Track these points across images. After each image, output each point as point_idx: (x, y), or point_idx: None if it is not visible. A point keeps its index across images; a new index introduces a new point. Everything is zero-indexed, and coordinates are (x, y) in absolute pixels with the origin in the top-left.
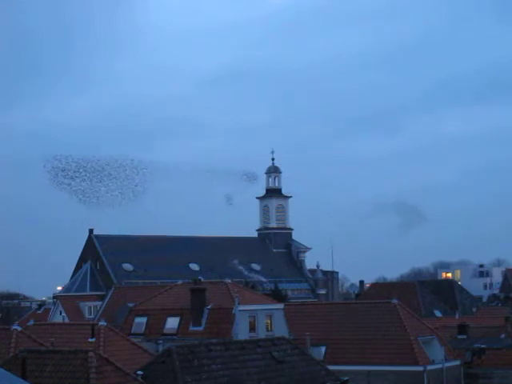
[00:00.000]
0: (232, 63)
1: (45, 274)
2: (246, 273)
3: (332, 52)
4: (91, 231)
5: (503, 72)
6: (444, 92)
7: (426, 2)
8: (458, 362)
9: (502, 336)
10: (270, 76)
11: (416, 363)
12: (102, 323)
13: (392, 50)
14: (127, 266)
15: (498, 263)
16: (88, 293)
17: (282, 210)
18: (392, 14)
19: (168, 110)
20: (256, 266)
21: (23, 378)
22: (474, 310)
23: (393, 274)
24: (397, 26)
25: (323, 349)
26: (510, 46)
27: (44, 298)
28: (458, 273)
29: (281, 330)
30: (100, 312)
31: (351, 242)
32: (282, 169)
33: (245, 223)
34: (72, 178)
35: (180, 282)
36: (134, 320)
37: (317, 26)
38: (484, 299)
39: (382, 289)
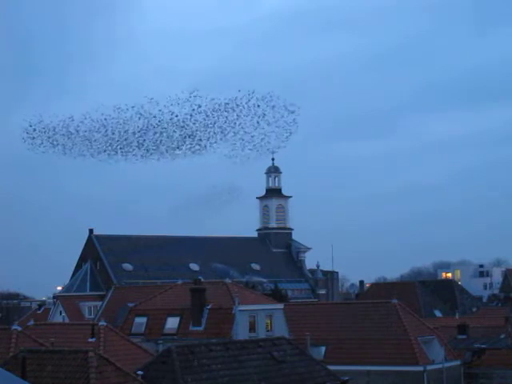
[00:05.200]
0: (227, 65)
1: (45, 274)
2: (245, 273)
3: (330, 52)
4: (91, 231)
5: (491, 75)
6: (433, 94)
7: (415, 5)
8: (458, 362)
9: (502, 336)
10: (264, 77)
11: (416, 363)
12: (102, 323)
13: (381, 52)
14: (127, 266)
15: (498, 263)
16: (88, 293)
17: (282, 210)
18: (381, 17)
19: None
20: (256, 266)
21: (23, 378)
22: (474, 309)
23: (393, 274)
24: (386, 28)
25: (323, 349)
26: (497, 50)
27: (44, 298)
28: (458, 273)
29: (281, 330)
30: (100, 312)
31: (351, 241)
32: (282, 169)
33: (245, 223)
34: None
35: (180, 281)
36: (134, 320)
37: (308, 29)
38: (484, 299)
39: (382, 289)
